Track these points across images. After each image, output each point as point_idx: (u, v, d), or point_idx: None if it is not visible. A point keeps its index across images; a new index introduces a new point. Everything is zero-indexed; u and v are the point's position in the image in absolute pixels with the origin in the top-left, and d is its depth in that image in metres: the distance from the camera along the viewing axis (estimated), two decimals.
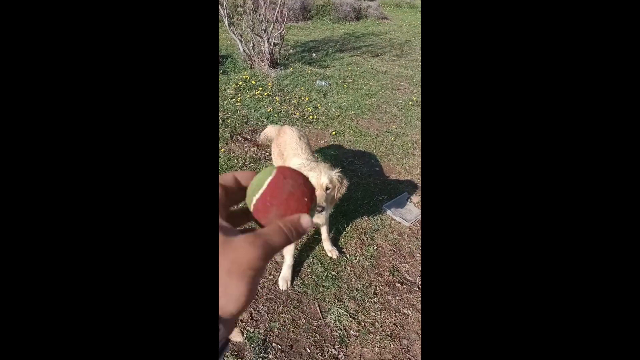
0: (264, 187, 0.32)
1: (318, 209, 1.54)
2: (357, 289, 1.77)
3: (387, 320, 1.64)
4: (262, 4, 4.54)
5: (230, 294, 0.26)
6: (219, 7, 4.57)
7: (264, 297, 1.68)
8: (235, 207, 0.36)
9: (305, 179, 0.33)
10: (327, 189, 1.58)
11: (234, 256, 0.27)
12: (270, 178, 0.32)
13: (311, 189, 0.33)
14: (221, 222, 0.29)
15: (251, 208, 0.32)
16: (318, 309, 1.65)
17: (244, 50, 4.72)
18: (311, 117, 3.57)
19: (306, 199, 0.32)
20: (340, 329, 1.58)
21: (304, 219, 0.31)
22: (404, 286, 1.81)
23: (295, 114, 3.59)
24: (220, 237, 0.27)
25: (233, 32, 4.67)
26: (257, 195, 0.32)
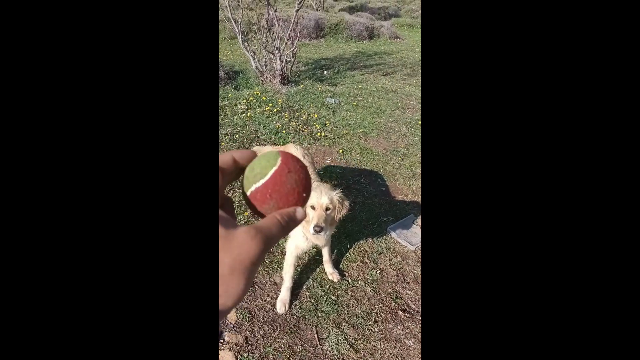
0: (267, 177, 0.32)
1: (316, 229, 1.50)
2: (357, 316, 1.70)
3: (387, 350, 1.57)
4: (276, 23, 4.66)
5: (230, 290, 0.27)
6: (234, 24, 4.71)
7: (261, 319, 1.63)
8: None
9: (306, 173, 0.34)
10: (327, 209, 1.55)
11: (237, 252, 0.27)
12: (274, 169, 0.32)
13: (310, 182, 0.34)
14: (220, 212, 0.29)
15: (248, 193, 0.32)
16: (316, 335, 1.59)
17: (257, 67, 4.82)
18: (319, 134, 3.58)
19: (305, 195, 0.33)
20: (338, 358, 1.51)
21: (299, 212, 0.32)
22: (407, 314, 1.74)
23: (303, 131, 3.61)
24: (221, 230, 0.27)
25: (246, 49, 4.79)
26: (258, 184, 0.32)
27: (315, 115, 3.99)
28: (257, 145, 3.23)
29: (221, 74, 4.66)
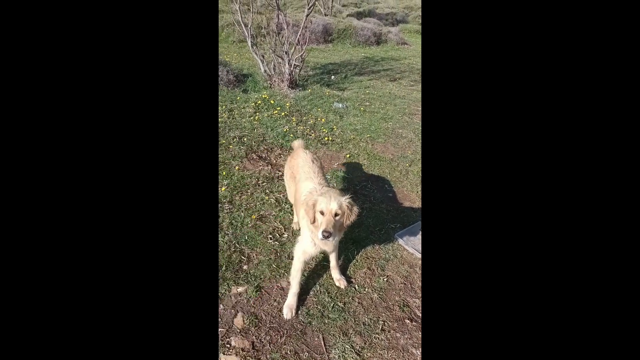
0: None
1: (325, 234, 1.49)
2: (364, 324, 1.68)
3: None
4: (285, 27, 4.69)
5: None
6: (244, 28, 4.74)
7: (267, 325, 1.62)
8: None
9: None
10: (335, 215, 1.54)
11: None
12: None
13: None
14: None
15: None
16: (322, 343, 1.58)
17: (265, 71, 4.84)
18: (326, 138, 3.58)
19: None
20: None
21: None
22: (414, 323, 1.72)
23: (310, 135, 3.61)
24: None
25: (255, 53, 4.82)
26: None
27: (323, 120, 3.99)
28: (263, 147, 3.23)
29: (230, 76, 4.69)
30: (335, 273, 1.88)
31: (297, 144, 2.37)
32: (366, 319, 1.71)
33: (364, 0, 14.59)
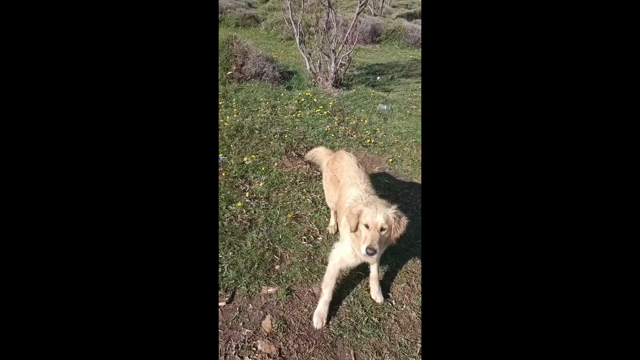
0: None
1: (369, 251, 1.38)
2: (400, 344, 1.54)
3: None
4: (335, 25, 4.62)
5: None
6: (294, 25, 4.74)
7: (296, 332, 1.54)
8: None
9: None
10: (382, 229, 1.42)
11: None
12: None
13: None
14: None
15: None
16: (353, 359, 1.46)
17: (311, 69, 4.81)
18: (368, 140, 3.44)
19: None
20: None
21: None
22: None
23: (352, 136, 3.50)
24: None
25: (302, 50, 4.80)
26: None
27: (366, 121, 3.86)
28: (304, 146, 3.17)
29: (276, 73, 4.72)
30: (373, 285, 1.74)
31: (322, 150, 2.30)
32: (402, 339, 1.56)
33: (415, 2, 14.14)
